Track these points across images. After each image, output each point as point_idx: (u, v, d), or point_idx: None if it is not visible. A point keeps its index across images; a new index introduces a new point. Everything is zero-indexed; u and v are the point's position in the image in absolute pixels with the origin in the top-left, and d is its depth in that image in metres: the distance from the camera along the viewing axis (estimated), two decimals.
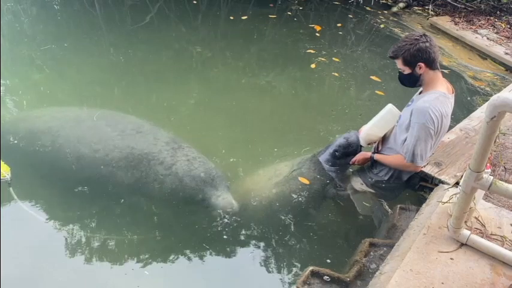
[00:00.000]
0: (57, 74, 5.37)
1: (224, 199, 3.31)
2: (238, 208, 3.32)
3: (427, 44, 2.97)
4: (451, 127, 3.65)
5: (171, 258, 3.13)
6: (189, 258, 3.13)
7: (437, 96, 3.03)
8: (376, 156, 3.37)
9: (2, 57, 5.09)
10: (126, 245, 3.21)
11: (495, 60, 6.66)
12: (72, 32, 6.58)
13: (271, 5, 7.95)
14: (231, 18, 7.20)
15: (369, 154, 3.44)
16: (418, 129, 3.02)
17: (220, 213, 3.31)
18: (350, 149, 3.47)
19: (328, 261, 2.98)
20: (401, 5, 8.48)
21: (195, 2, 7.73)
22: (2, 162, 3.50)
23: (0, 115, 4.13)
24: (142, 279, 2.93)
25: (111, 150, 3.54)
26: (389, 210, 3.29)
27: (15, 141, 3.85)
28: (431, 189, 3.27)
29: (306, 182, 3.47)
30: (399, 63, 3.06)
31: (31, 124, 3.98)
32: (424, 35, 3.02)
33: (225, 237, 3.22)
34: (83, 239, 3.22)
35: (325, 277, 2.62)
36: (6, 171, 3.46)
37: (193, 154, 3.57)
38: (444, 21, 7.79)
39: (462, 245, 2.58)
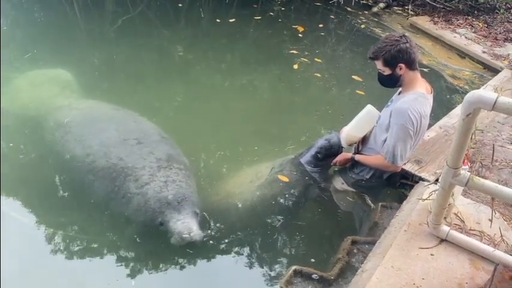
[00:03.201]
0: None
1: (183, 223, 2.98)
2: (200, 237, 2.97)
3: (407, 45, 2.99)
4: (430, 125, 3.71)
5: (155, 264, 3.09)
6: (174, 263, 3.10)
7: (416, 97, 3.06)
8: (357, 157, 3.41)
9: None
10: (109, 251, 3.16)
11: (473, 58, 6.78)
12: (52, 35, 6.48)
13: (255, 5, 7.96)
14: (218, 20, 7.16)
15: (349, 155, 3.47)
16: (398, 129, 3.05)
17: (180, 238, 2.93)
18: (332, 151, 3.50)
19: (313, 260, 2.99)
20: (381, 5, 8.57)
21: (180, 5, 7.68)
22: None
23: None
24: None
25: (100, 157, 3.46)
26: (372, 205, 3.33)
27: (39, 133, 3.93)
28: (411, 187, 3.32)
29: (286, 179, 3.49)
30: (379, 64, 3.08)
31: (62, 115, 4.01)
32: (404, 35, 3.05)
33: (209, 240, 3.20)
34: (63, 245, 3.17)
35: (314, 275, 2.64)
36: None
37: (176, 176, 3.32)
38: (423, 21, 7.90)
39: (442, 240, 2.63)
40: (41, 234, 3.23)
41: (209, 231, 3.27)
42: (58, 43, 6.10)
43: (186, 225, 2.98)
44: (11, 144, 4.06)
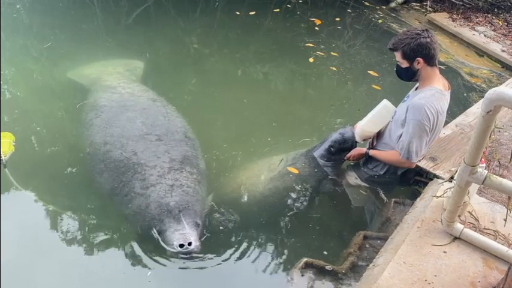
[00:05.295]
0: (51, 64, 5.34)
1: (181, 234, 2.81)
2: (198, 250, 2.82)
3: (428, 40, 2.96)
4: (446, 122, 3.67)
5: (168, 253, 3.00)
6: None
7: (433, 93, 3.03)
8: (371, 152, 3.38)
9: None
10: (125, 240, 3.14)
11: (492, 57, 6.67)
12: (68, 22, 6.51)
13: None
14: (237, 13, 7.11)
15: (364, 150, 3.45)
16: (414, 125, 3.02)
17: (176, 249, 2.79)
18: (345, 145, 3.48)
19: (325, 252, 2.99)
20: (399, 0, 8.46)
21: None
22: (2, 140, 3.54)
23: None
24: (143, 280, 2.90)
25: (116, 148, 3.38)
26: (385, 198, 3.32)
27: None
28: (425, 184, 3.29)
29: (295, 171, 3.49)
30: (398, 56, 3.06)
31: (103, 96, 4.05)
32: (427, 30, 3.02)
33: (220, 232, 3.20)
34: (79, 231, 3.17)
35: (327, 267, 2.63)
36: (4, 152, 3.46)
37: (185, 181, 3.19)
38: (442, 18, 7.78)
39: (455, 238, 2.61)
40: (57, 219, 3.24)
41: (220, 222, 3.27)
42: (74, 32, 6.12)
43: (183, 236, 2.82)
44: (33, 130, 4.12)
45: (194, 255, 2.86)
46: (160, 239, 2.92)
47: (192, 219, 2.96)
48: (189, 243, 2.79)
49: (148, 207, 3.01)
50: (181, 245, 2.79)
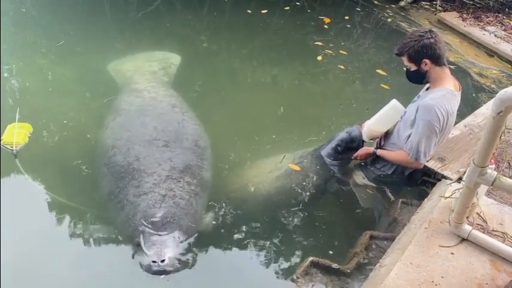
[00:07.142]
0: (60, 60, 5.36)
1: (157, 249, 2.60)
2: (173, 269, 2.58)
3: (432, 40, 2.95)
4: (455, 123, 3.64)
5: None
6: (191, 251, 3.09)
7: (444, 93, 3.01)
8: (379, 152, 3.36)
9: (5, 41, 5.11)
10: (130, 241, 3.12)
11: (502, 57, 6.62)
12: (77, 18, 6.55)
13: None
14: (249, 11, 7.08)
15: (371, 149, 3.43)
16: (423, 126, 3.01)
17: (149, 266, 2.58)
18: (352, 144, 3.46)
19: (331, 252, 2.98)
20: None
21: None
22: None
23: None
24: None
25: (121, 152, 3.30)
26: (392, 197, 3.31)
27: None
28: (433, 184, 3.27)
29: (297, 168, 3.48)
30: (405, 60, 3.05)
31: (125, 100, 4.05)
32: (430, 31, 3.01)
33: (226, 229, 3.19)
34: (87, 230, 3.11)
35: (333, 265, 2.62)
36: (17, 142, 3.50)
37: (179, 191, 3.00)
38: (452, 17, 7.73)
39: (463, 240, 2.59)
40: (64, 215, 3.22)
41: (226, 220, 3.27)
42: (84, 29, 6.15)
43: (158, 251, 2.60)
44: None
45: (169, 271, 2.60)
46: (137, 253, 2.74)
47: (175, 234, 2.75)
48: (162, 261, 2.57)
49: (134, 217, 2.84)
50: (153, 262, 2.57)
